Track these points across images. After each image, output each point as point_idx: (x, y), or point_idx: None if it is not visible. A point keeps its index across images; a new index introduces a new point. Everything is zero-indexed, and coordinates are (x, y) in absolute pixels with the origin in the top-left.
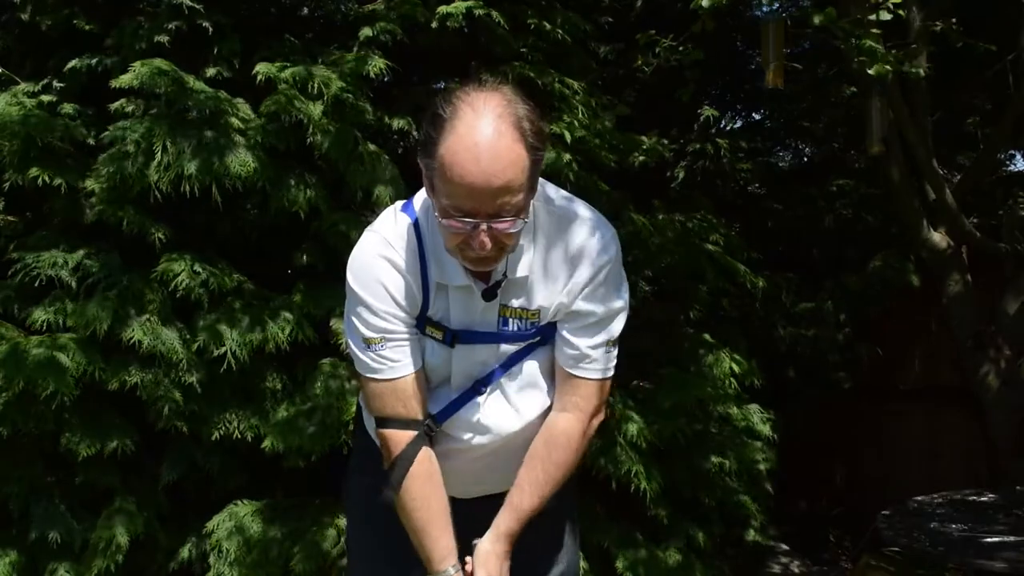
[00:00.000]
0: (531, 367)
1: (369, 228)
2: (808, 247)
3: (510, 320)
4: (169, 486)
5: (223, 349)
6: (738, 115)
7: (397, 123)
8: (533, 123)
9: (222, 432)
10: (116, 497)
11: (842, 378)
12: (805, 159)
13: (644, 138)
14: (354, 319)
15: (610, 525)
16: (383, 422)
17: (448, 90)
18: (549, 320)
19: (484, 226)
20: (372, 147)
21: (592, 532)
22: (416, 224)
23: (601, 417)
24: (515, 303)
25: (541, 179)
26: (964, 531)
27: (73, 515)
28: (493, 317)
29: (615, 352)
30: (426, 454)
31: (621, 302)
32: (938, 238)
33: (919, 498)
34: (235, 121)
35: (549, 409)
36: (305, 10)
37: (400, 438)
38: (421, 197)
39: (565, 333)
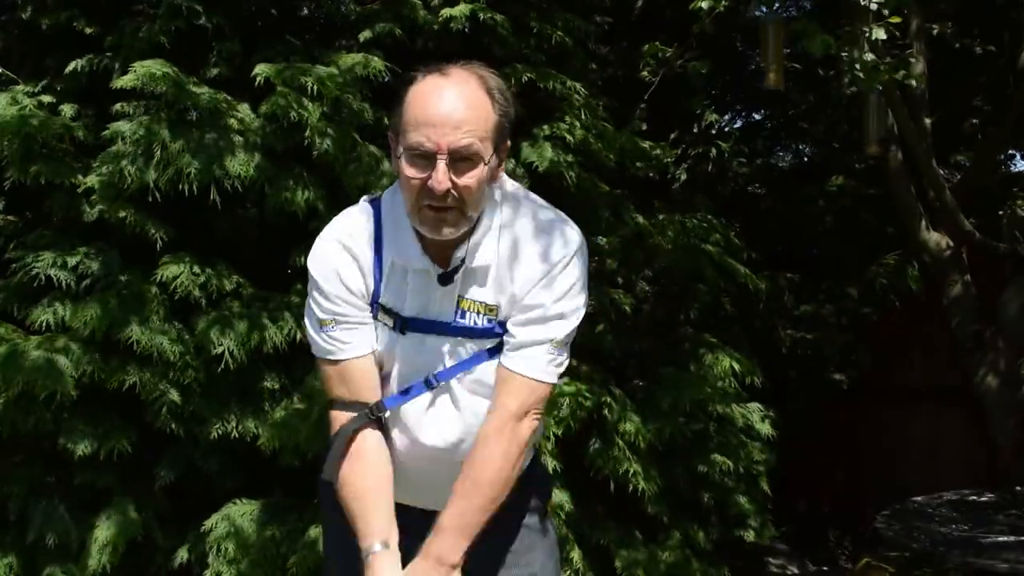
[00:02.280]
0: (486, 373)
1: (338, 216)
2: (808, 247)
3: (468, 313)
4: (167, 486)
5: (221, 349)
6: (738, 115)
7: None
8: (502, 91)
9: (220, 432)
10: (114, 497)
11: (842, 378)
12: (805, 159)
13: (646, 143)
14: (310, 301)
15: (609, 524)
16: (331, 403)
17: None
18: (506, 317)
19: (444, 160)
20: (371, 148)
21: (591, 531)
22: (378, 208)
23: (532, 426)
24: (474, 295)
25: (517, 184)
26: (964, 531)
27: (71, 516)
28: (450, 307)
29: (560, 360)
30: (365, 435)
31: (574, 305)
32: (938, 238)
33: (919, 498)
34: (234, 122)
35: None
36: (305, 10)
37: (342, 418)
38: (391, 189)
39: (509, 324)
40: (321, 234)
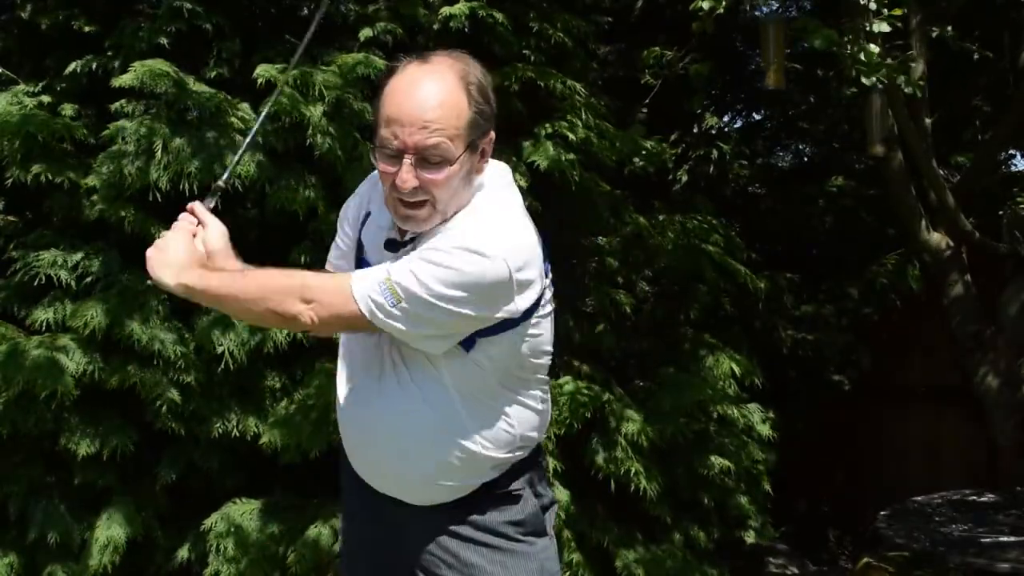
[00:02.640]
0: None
1: None
2: (808, 247)
3: None
4: (168, 485)
5: (221, 349)
6: (738, 115)
7: None
8: (480, 85)
9: (221, 431)
10: (115, 497)
11: (842, 378)
12: (805, 159)
13: (647, 143)
14: None
15: (609, 524)
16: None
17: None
18: None
19: (410, 160)
20: (371, 147)
21: (591, 531)
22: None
23: (304, 314)
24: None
25: (501, 177)
26: (964, 531)
27: (72, 515)
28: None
29: (385, 305)
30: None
31: (438, 286)
32: (938, 238)
33: (919, 498)
34: (235, 121)
35: (413, 408)
36: (305, 10)
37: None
38: None
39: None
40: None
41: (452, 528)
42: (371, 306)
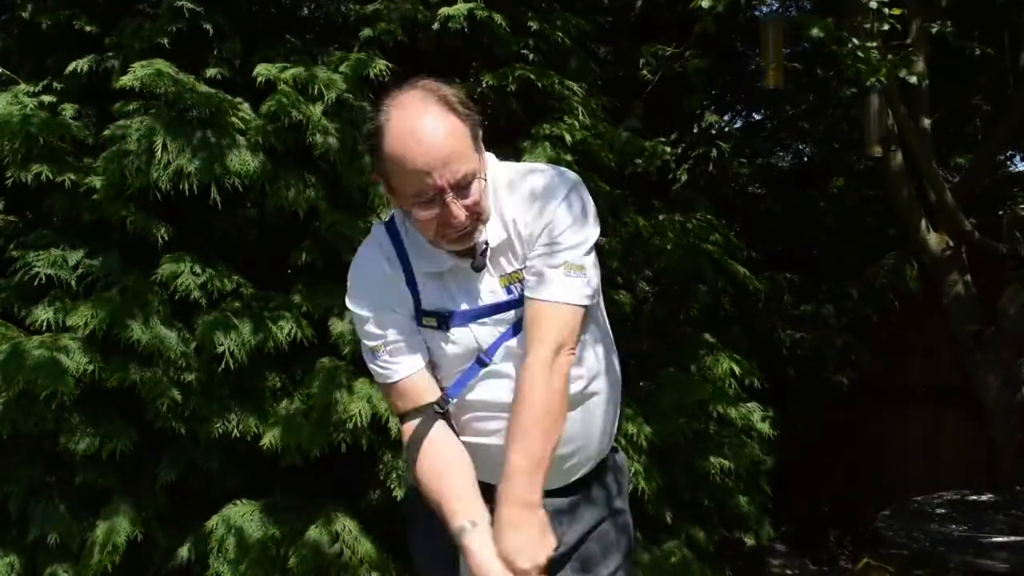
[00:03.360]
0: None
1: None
2: (808, 247)
3: (512, 287)
4: (168, 486)
5: (222, 349)
6: (738, 115)
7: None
8: (457, 96)
9: (221, 431)
10: (115, 497)
11: (842, 378)
12: (805, 159)
13: (646, 142)
14: (360, 336)
15: None
16: (401, 418)
17: (375, 103)
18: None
19: (451, 196)
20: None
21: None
22: (393, 227)
23: (569, 353)
24: (508, 268)
25: (493, 157)
26: (964, 531)
27: (72, 515)
28: (497, 287)
29: (581, 283)
30: (436, 429)
31: (583, 232)
32: (938, 238)
33: (919, 498)
34: (235, 121)
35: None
36: (305, 10)
37: (412, 426)
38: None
39: (528, 261)
40: (350, 272)
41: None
42: (581, 294)
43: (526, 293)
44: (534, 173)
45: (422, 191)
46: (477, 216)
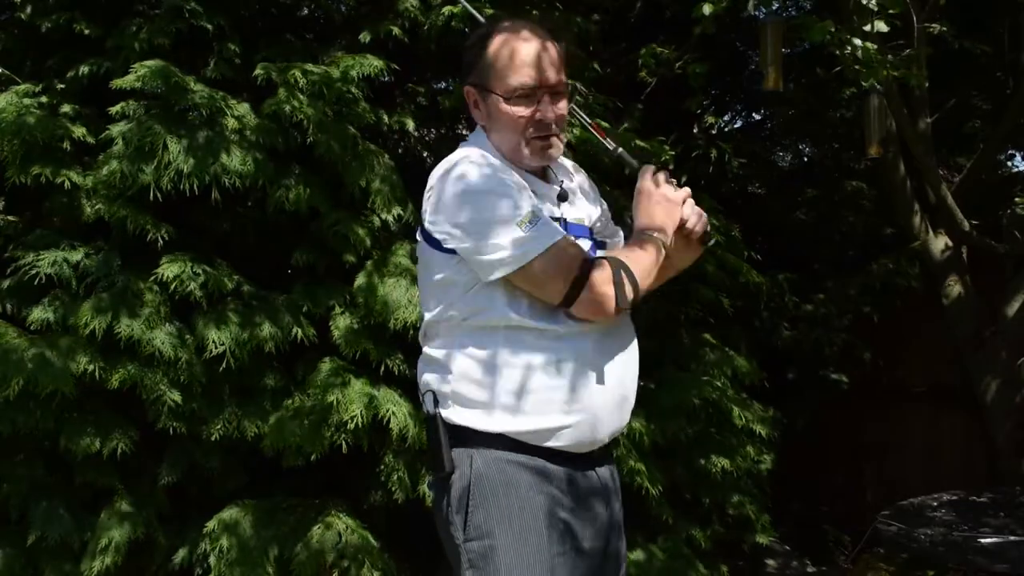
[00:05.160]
0: None
1: (454, 155)
2: (808, 247)
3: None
4: (168, 486)
5: (222, 349)
6: (738, 116)
7: (396, 123)
8: (559, 39)
9: (222, 432)
10: (116, 497)
11: (842, 378)
12: (805, 159)
13: (645, 143)
14: (504, 211)
15: None
16: (585, 266)
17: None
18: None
19: (547, 94)
20: (372, 147)
21: None
22: (483, 144)
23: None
24: (575, 212)
25: None
26: (964, 531)
27: (72, 515)
28: (581, 215)
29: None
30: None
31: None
32: (938, 238)
33: (919, 498)
34: (234, 121)
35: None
36: (305, 10)
37: (606, 265)
38: (473, 141)
39: (615, 241)
40: (460, 160)
41: None
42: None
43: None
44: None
45: (524, 83)
46: (559, 128)
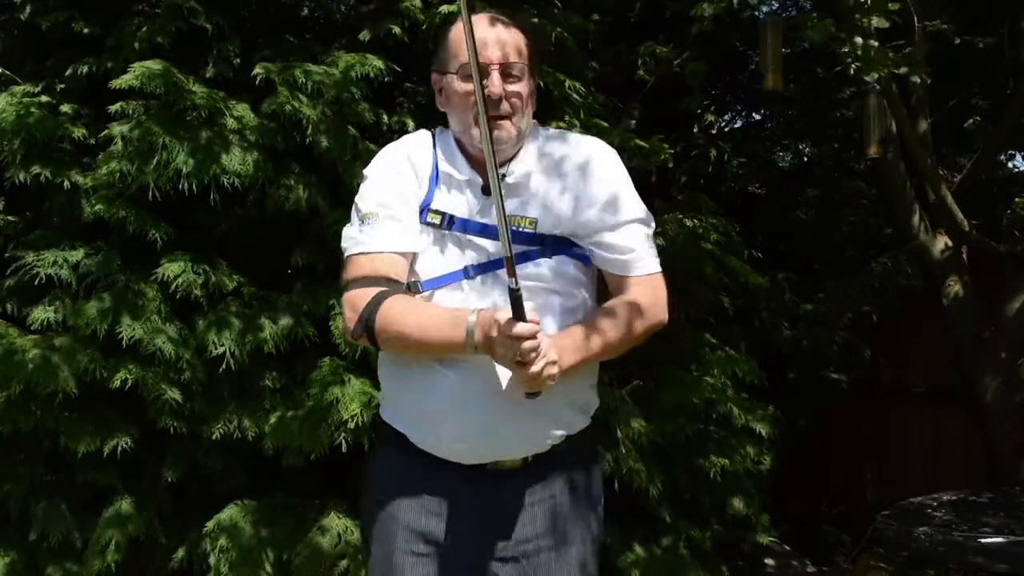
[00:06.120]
0: (532, 271)
1: None
2: (808, 247)
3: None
4: (169, 486)
5: (222, 349)
6: (738, 115)
7: (396, 122)
8: (529, 36)
9: (222, 432)
10: (116, 497)
11: (842, 378)
12: (805, 159)
13: (645, 142)
14: (357, 199)
15: (611, 523)
16: (350, 284)
17: None
18: (552, 232)
19: (496, 69)
20: (371, 146)
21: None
22: (432, 134)
23: (659, 316)
24: (513, 210)
25: (554, 129)
26: (964, 531)
27: (73, 515)
28: (491, 219)
29: (655, 250)
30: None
31: (643, 205)
32: (938, 238)
33: (919, 498)
34: (233, 121)
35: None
36: (305, 10)
37: (365, 293)
38: (437, 130)
39: (614, 242)
40: (383, 149)
41: None
42: (657, 264)
43: (620, 271)
44: (577, 139)
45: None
46: (512, 111)
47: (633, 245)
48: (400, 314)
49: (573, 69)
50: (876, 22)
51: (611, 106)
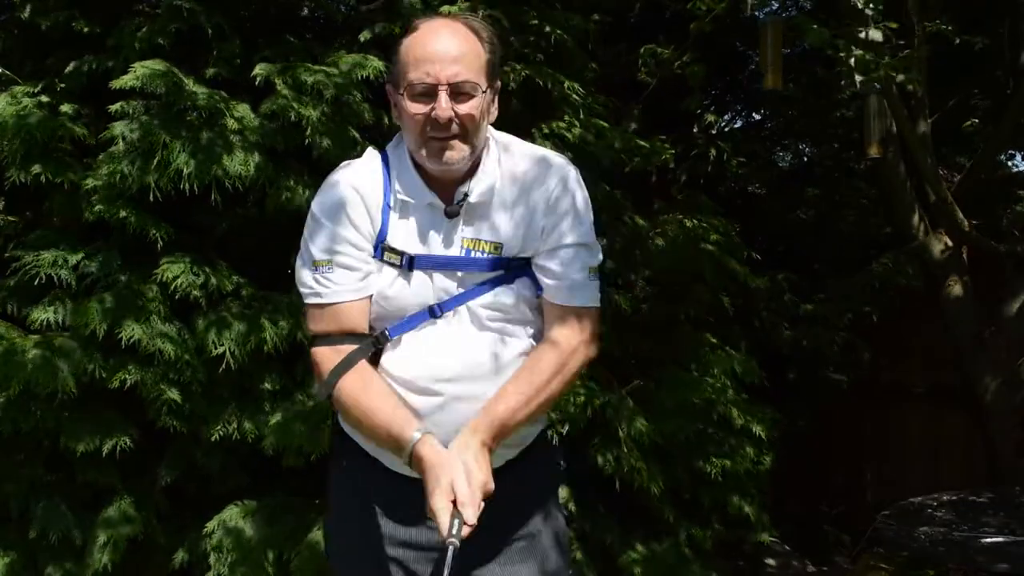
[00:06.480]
0: (496, 302)
1: (344, 162)
2: (808, 247)
3: (472, 252)
4: (169, 486)
5: (222, 349)
6: (738, 115)
7: (396, 123)
8: (490, 35)
9: (222, 432)
10: (116, 497)
11: (842, 378)
12: (805, 159)
13: (645, 142)
14: (306, 240)
15: (611, 523)
16: (315, 339)
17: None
18: (516, 255)
19: (444, 90)
20: (372, 147)
21: (593, 530)
22: (384, 154)
23: (588, 352)
24: (478, 234)
25: (507, 135)
26: (964, 531)
27: (73, 514)
28: (455, 244)
29: (598, 284)
30: (365, 363)
31: (592, 234)
32: (937, 238)
33: (919, 498)
34: (232, 122)
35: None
36: (305, 10)
37: (333, 352)
38: (394, 140)
39: (548, 265)
40: (328, 177)
41: None
42: (597, 296)
43: (551, 299)
44: (540, 158)
45: (420, 79)
46: (464, 131)
47: (567, 272)
48: (354, 401)
49: (573, 69)
50: (872, 34)
51: (611, 106)
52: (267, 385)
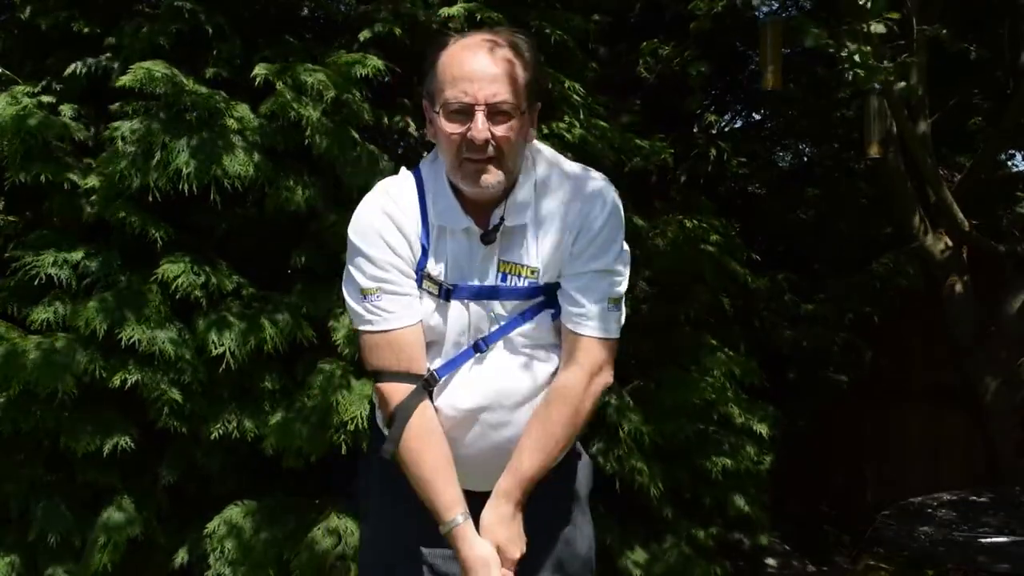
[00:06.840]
0: (536, 330)
1: (380, 182)
2: (808, 247)
3: (508, 276)
4: (169, 486)
5: (222, 349)
6: (738, 115)
7: (397, 123)
8: (532, 56)
9: (221, 432)
10: (116, 497)
11: (842, 378)
12: (805, 159)
13: (645, 142)
14: (352, 269)
15: (612, 523)
16: (379, 376)
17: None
18: (550, 280)
19: (481, 110)
20: (371, 147)
21: (593, 530)
22: (419, 174)
23: (606, 379)
24: (514, 258)
25: (551, 149)
26: (964, 531)
27: (73, 514)
28: (491, 269)
29: (619, 315)
30: (425, 407)
31: (621, 263)
32: (937, 238)
33: (919, 498)
34: (232, 122)
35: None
36: (305, 10)
37: (396, 391)
38: (428, 158)
39: (568, 290)
40: (363, 201)
41: None
42: (618, 328)
43: (570, 326)
44: (579, 180)
45: (457, 98)
46: (500, 153)
47: (585, 300)
48: (416, 457)
49: (573, 69)
50: (874, 28)
51: (611, 106)
52: (267, 385)
